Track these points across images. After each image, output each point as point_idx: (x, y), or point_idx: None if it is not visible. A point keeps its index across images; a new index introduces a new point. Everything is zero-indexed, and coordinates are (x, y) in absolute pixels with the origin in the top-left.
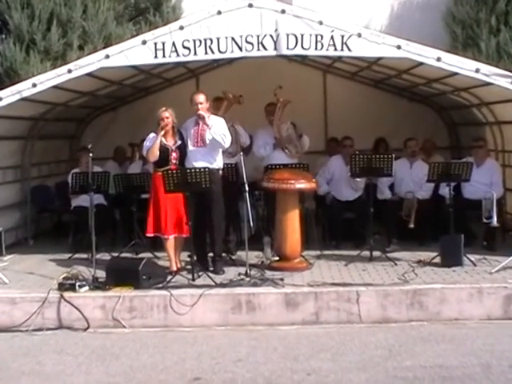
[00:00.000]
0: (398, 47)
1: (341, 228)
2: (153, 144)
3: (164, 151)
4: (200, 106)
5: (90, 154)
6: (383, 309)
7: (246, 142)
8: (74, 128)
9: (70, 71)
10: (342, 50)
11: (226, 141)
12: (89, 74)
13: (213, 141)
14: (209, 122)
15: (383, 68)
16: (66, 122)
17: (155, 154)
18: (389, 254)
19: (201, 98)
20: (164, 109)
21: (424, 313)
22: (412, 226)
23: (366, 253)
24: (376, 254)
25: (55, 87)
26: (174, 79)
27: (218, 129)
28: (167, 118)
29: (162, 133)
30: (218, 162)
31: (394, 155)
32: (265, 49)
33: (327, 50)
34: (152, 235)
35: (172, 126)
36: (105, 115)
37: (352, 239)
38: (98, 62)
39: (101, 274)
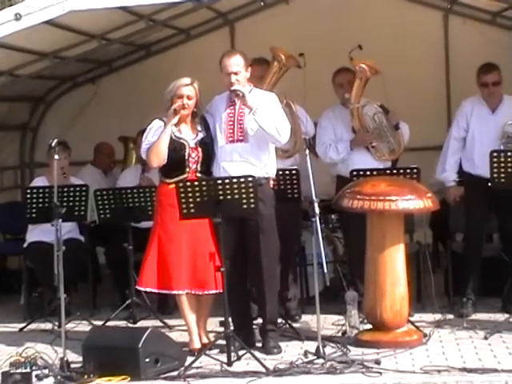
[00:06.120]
0: None
1: (478, 274)
2: (159, 138)
3: (177, 149)
4: (235, 76)
5: (56, 156)
6: None
7: (310, 133)
8: (28, 113)
9: (18, 17)
10: None
11: (282, 132)
12: (49, 22)
13: (260, 132)
14: (251, 101)
15: None
16: (12, 104)
17: (162, 155)
18: None
19: (236, 61)
20: (189, 81)
21: None
22: None
23: None
24: None
25: None
26: (192, 30)
27: (267, 112)
28: (189, 98)
29: (175, 120)
30: (269, 168)
31: None
32: None
33: None
34: (155, 291)
35: (193, 111)
36: (78, 91)
37: (497, 293)
38: (66, 2)
39: (74, 356)
